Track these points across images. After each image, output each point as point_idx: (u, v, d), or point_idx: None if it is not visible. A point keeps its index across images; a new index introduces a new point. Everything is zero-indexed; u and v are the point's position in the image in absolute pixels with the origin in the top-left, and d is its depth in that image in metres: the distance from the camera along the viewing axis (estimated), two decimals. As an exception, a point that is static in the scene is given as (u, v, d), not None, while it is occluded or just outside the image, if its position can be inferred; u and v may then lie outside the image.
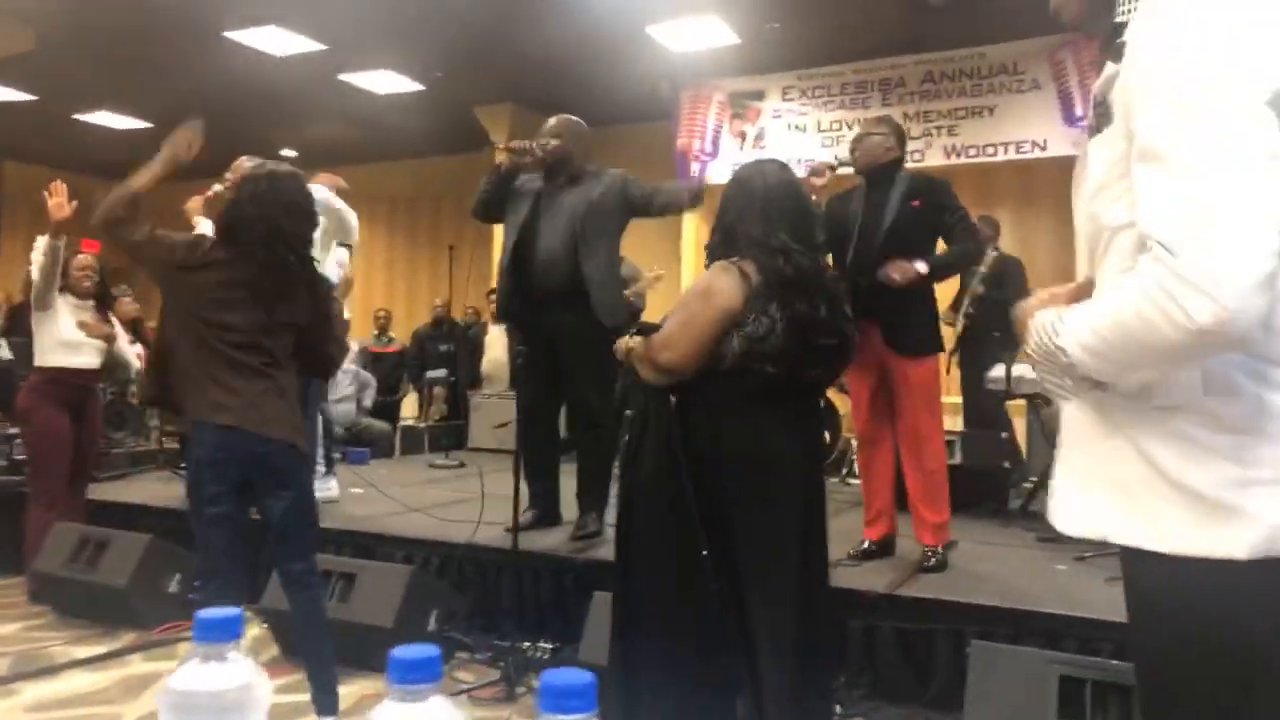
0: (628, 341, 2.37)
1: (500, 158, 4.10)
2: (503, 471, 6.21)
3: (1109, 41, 1.18)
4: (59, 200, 4.15)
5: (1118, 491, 1.13)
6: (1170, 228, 0.99)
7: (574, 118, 4.13)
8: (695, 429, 2.26)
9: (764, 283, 2.22)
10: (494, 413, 7.72)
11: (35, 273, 4.37)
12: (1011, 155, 7.87)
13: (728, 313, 2.21)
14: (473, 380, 8.65)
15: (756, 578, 2.23)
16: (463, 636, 3.72)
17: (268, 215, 2.72)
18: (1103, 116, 1.15)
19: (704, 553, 2.19)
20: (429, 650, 0.61)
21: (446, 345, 8.84)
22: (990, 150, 7.92)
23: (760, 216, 2.31)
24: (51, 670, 3.60)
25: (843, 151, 3.82)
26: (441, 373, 8.36)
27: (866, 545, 3.78)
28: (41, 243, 4.31)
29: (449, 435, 7.87)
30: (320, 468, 4.96)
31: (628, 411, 5.18)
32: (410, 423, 8.62)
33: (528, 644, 3.60)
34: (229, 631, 0.69)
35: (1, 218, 6.74)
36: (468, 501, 4.83)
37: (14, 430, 5.02)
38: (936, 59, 8.06)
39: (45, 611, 4.29)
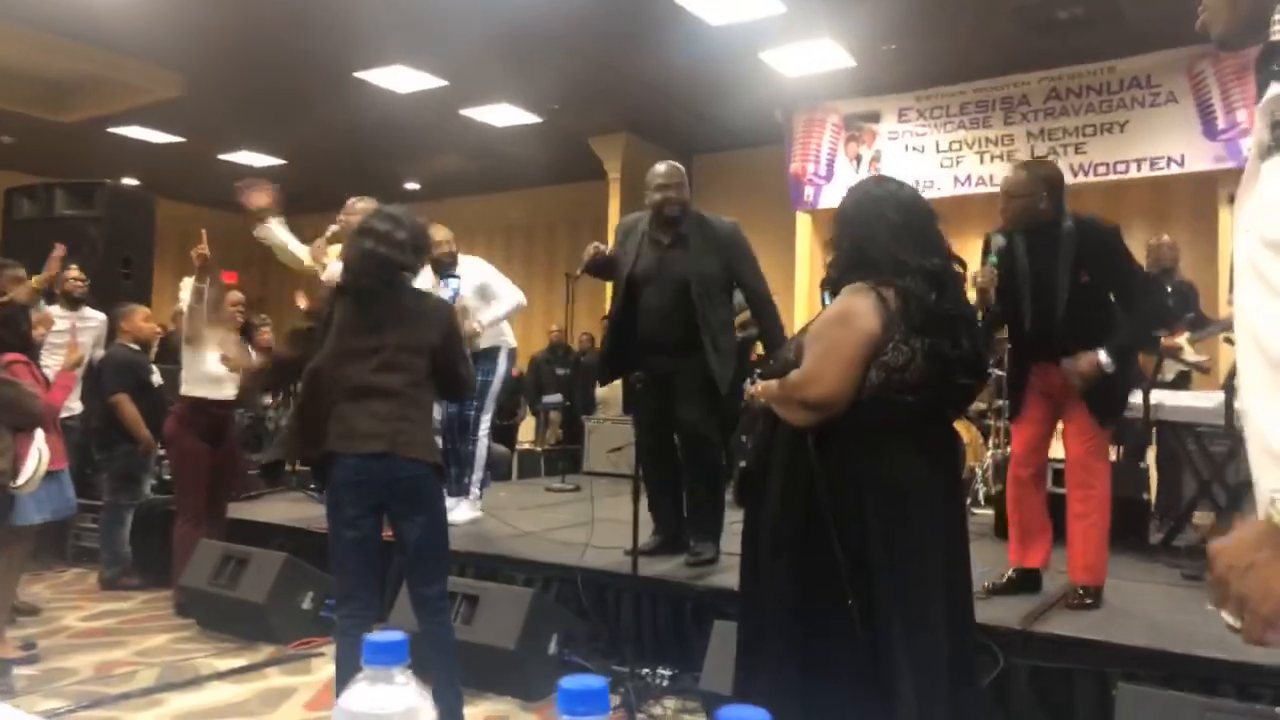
0: (760, 389, 2.25)
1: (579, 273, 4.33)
2: (618, 496, 6.26)
3: (1267, 60, 1.10)
4: (200, 247, 4.46)
5: None
6: None
7: (676, 166, 4.17)
8: (830, 463, 2.12)
9: (904, 310, 2.08)
10: (608, 437, 7.78)
11: (186, 312, 4.66)
12: (1145, 172, 7.53)
13: (870, 336, 2.07)
14: (588, 405, 8.76)
15: (900, 616, 2.08)
16: (583, 660, 3.73)
17: (376, 251, 2.84)
18: None
19: (849, 602, 2.06)
20: (598, 682, 0.61)
21: (563, 370, 8.98)
22: (1121, 167, 7.60)
23: (905, 238, 2.16)
24: (196, 682, 3.78)
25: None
26: (557, 398, 8.50)
27: (1011, 574, 3.63)
28: (188, 284, 4.60)
29: (565, 459, 7.97)
30: (475, 490, 5.13)
31: (743, 437, 5.13)
32: (527, 446, 8.77)
33: (647, 670, 3.59)
34: (397, 655, 0.71)
35: (155, 252, 7.20)
36: (585, 525, 4.87)
37: (164, 452, 5.33)
38: (1062, 75, 7.79)
39: (190, 624, 4.52)
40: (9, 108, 9.01)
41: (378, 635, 0.72)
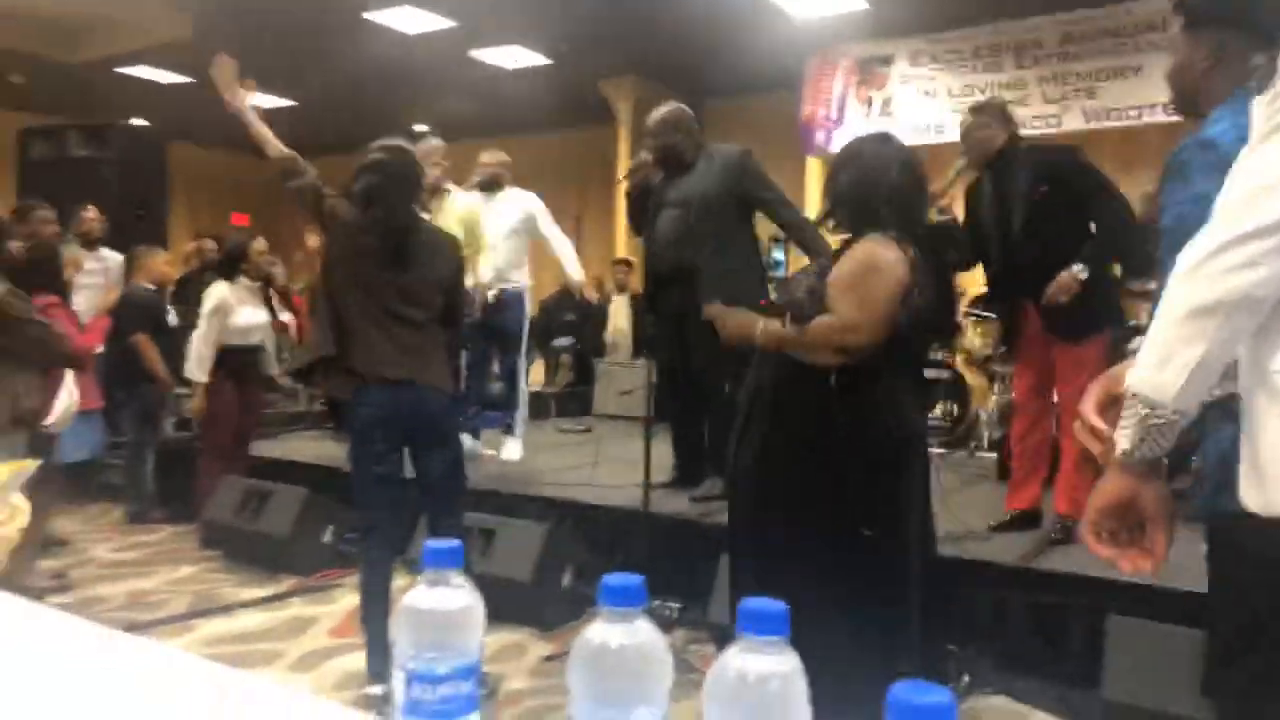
0: (766, 330, 2.30)
1: (623, 185, 4.25)
2: (631, 437, 6.38)
3: None
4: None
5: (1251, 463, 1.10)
6: None
7: (671, 107, 4.13)
8: (849, 402, 2.22)
9: (921, 257, 2.21)
10: (618, 379, 7.89)
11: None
12: (1159, 117, 7.45)
13: (902, 284, 2.17)
14: (598, 348, 8.84)
15: (905, 546, 2.26)
16: (596, 593, 3.86)
17: (383, 187, 2.90)
18: None
19: (866, 533, 2.19)
20: (635, 578, 0.70)
21: (571, 315, 9.04)
22: (1134, 113, 7.53)
23: (913, 193, 2.30)
24: (225, 610, 3.93)
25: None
26: (568, 340, 8.57)
27: (1009, 515, 3.74)
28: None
29: (575, 401, 8.08)
30: (520, 429, 5.31)
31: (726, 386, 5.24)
32: (537, 389, 8.88)
33: (657, 602, 3.72)
34: (454, 559, 0.79)
35: (168, 194, 7.24)
36: (598, 464, 4.99)
37: (184, 392, 5.44)
38: (1076, 18, 7.69)
39: (216, 556, 4.67)
40: (19, 47, 8.97)
41: (436, 541, 0.80)
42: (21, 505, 1.21)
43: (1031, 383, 3.73)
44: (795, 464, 2.26)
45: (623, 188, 4.31)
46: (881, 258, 2.20)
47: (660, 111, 4.13)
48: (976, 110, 3.74)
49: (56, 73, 9.75)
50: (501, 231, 5.02)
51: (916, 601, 2.25)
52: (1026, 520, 3.74)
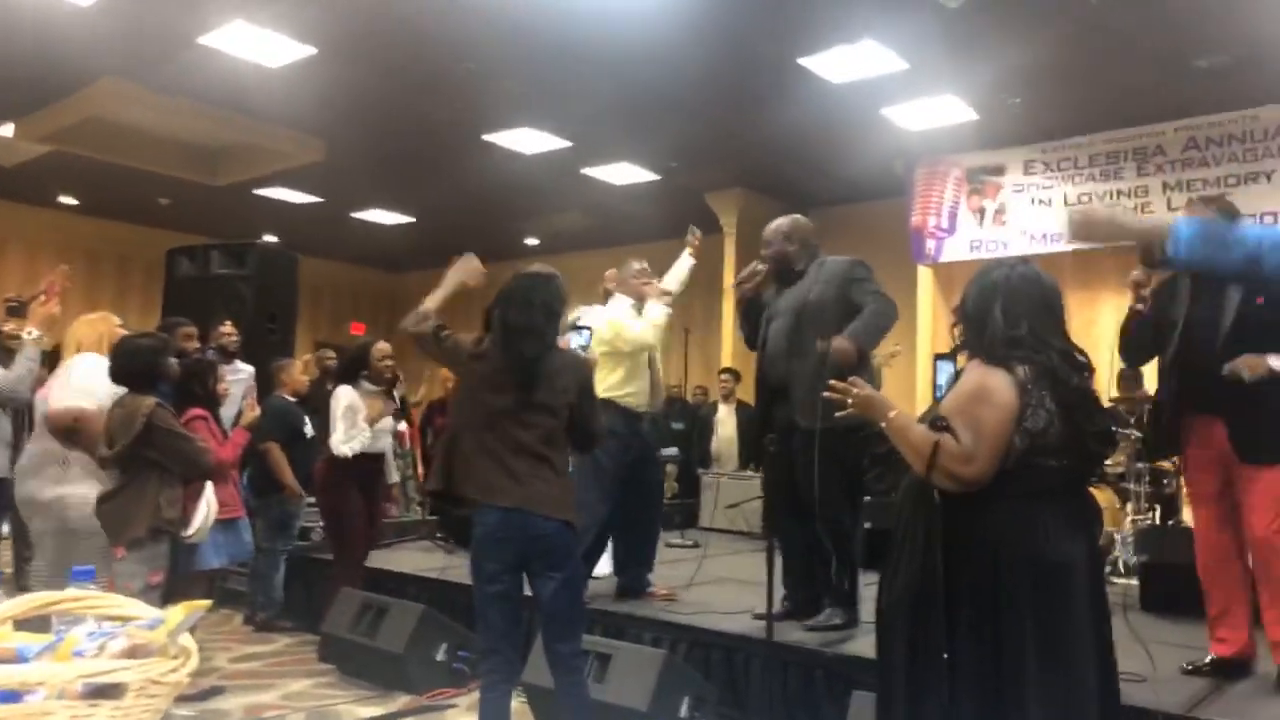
0: (900, 417, 2.24)
1: (734, 294, 4.26)
2: (738, 554, 6.22)
3: None
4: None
5: None
6: None
7: (787, 219, 4.15)
8: (971, 531, 2.16)
9: (1032, 376, 2.17)
10: (725, 492, 7.76)
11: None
12: (1294, 224, 7.16)
13: (1011, 408, 2.14)
14: (704, 459, 8.76)
15: (1047, 689, 2.08)
16: (715, 725, 3.71)
17: (510, 313, 2.94)
18: None
19: (944, 655, 2.10)
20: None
21: (678, 424, 9.01)
22: (1268, 219, 7.24)
23: (1048, 321, 2.26)
24: (339, 729, 3.91)
25: None
26: (673, 451, 8.51)
27: (1211, 660, 3.40)
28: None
29: (681, 513, 7.97)
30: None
31: (868, 498, 5.03)
32: (643, 500, 8.79)
33: (778, 739, 3.54)
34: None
35: (297, 307, 7.61)
36: (709, 584, 4.86)
37: (310, 499, 5.55)
38: (1201, 124, 7.53)
39: (330, 670, 4.67)
40: (168, 172, 9.70)
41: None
42: (191, 647, 1.21)
43: (1216, 515, 3.36)
44: (910, 595, 2.15)
45: (733, 295, 4.29)
46: (988, 385, 2.17)
47: (776, 222, 4.15)
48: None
49: (199, 195, 10.49)
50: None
51: None
52: (1235, 668, 3.37)
